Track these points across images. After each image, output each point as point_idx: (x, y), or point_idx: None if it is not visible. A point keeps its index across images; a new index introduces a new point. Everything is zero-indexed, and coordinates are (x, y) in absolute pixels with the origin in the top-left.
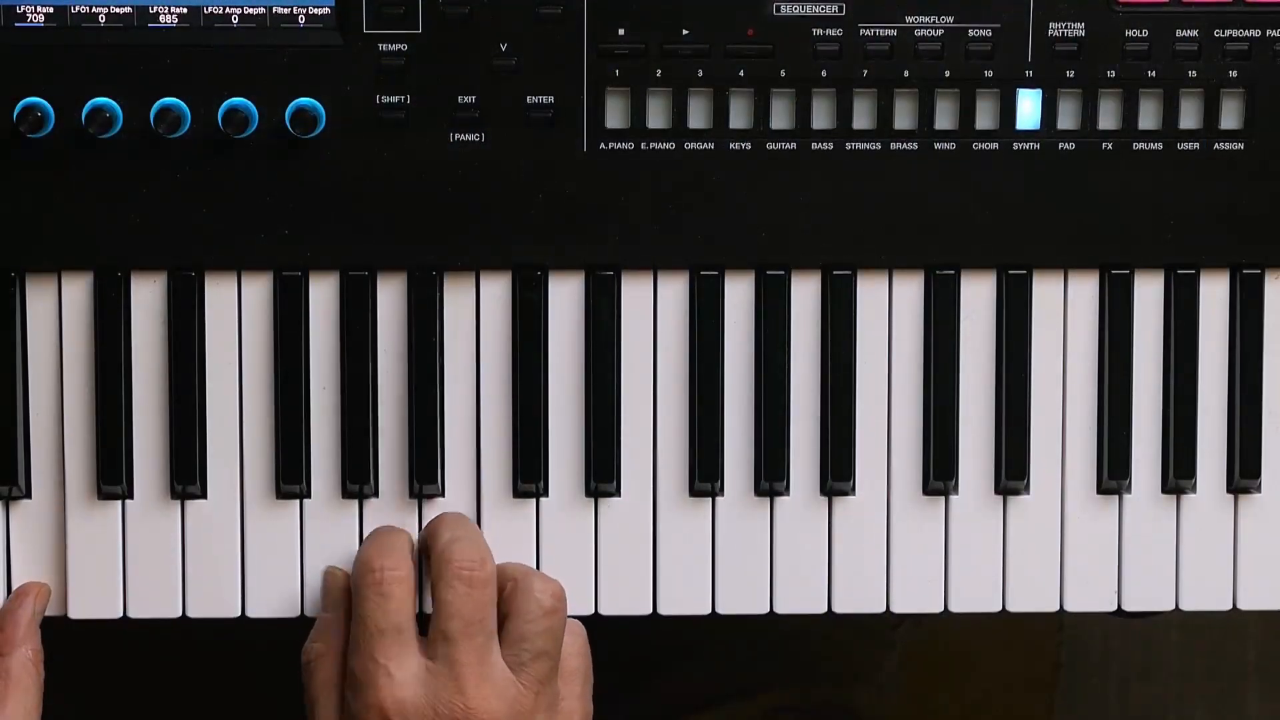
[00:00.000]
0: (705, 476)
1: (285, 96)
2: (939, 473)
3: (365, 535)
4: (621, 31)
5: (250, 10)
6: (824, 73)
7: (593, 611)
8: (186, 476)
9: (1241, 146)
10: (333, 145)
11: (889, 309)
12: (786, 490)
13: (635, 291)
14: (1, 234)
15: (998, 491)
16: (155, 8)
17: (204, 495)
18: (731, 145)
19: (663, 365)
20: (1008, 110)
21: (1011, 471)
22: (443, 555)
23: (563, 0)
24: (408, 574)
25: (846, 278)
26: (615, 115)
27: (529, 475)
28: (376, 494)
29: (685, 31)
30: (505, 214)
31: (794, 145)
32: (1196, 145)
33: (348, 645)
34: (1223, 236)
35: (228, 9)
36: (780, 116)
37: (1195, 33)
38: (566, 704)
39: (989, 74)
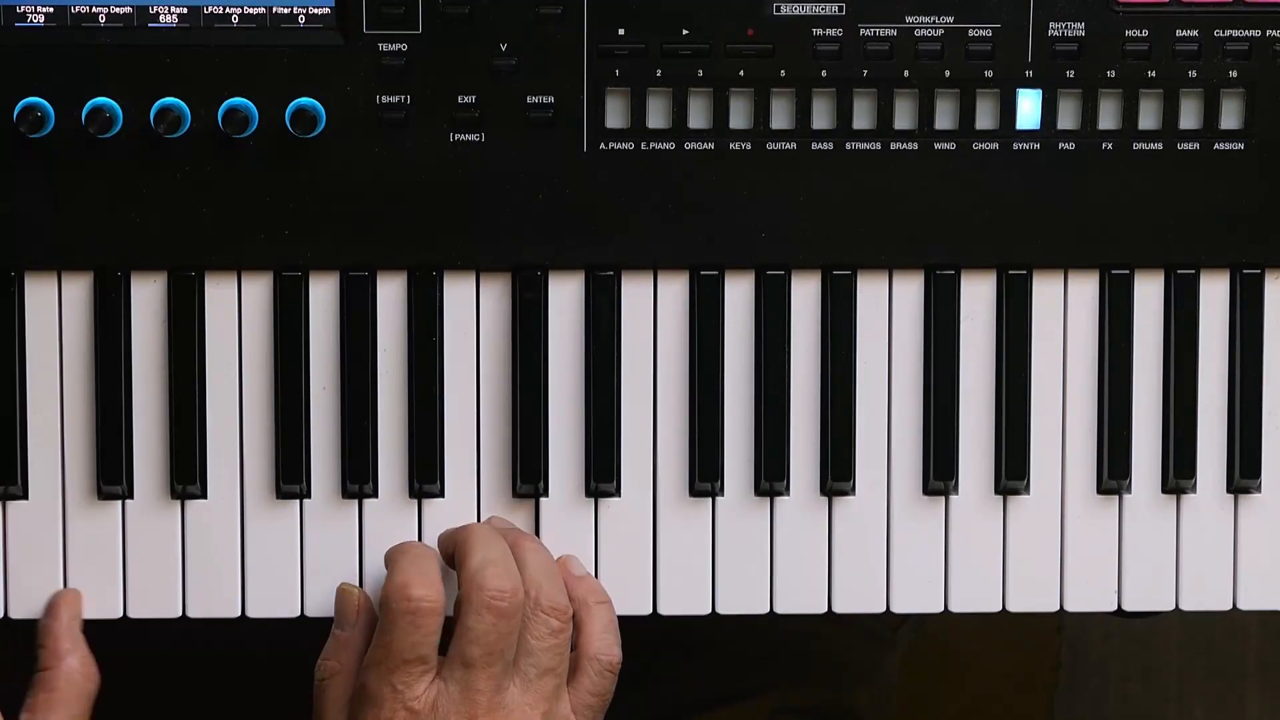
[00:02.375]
0: (705, 476)
1: (285, 96)
2: (939, 473)
3: (393, 551)
4: (621, 31)
5: (250, 10)
6: (824, 73)
7: None
8: (186, 476)
9: (1241, 146)
10: (333, 145)
11: (889, 309)
12: (786, 490)
13: (635, 291)
14: (1, 234)
15: (998, 491)
16: (155, 8)
17: (204, 495)
18: (731, 145)
19: (663, 365)
20: (1008, 110)
21: (1011, 471)
22: (475, 580)
23: (563, 0)
24: (441, 605)
25: (846, 278)
26: (615, 115)
27: (529, 475)
28: (376, 494)
29: (685, 31)
30: (505, 214)
31: (794, 145)
32: (1196, 145)
33: (362, 660)
34: (1223, 236)
35: (228, 9)
36: (780, 116)
37: (1195, 33)
38: None
39: (989, 74)
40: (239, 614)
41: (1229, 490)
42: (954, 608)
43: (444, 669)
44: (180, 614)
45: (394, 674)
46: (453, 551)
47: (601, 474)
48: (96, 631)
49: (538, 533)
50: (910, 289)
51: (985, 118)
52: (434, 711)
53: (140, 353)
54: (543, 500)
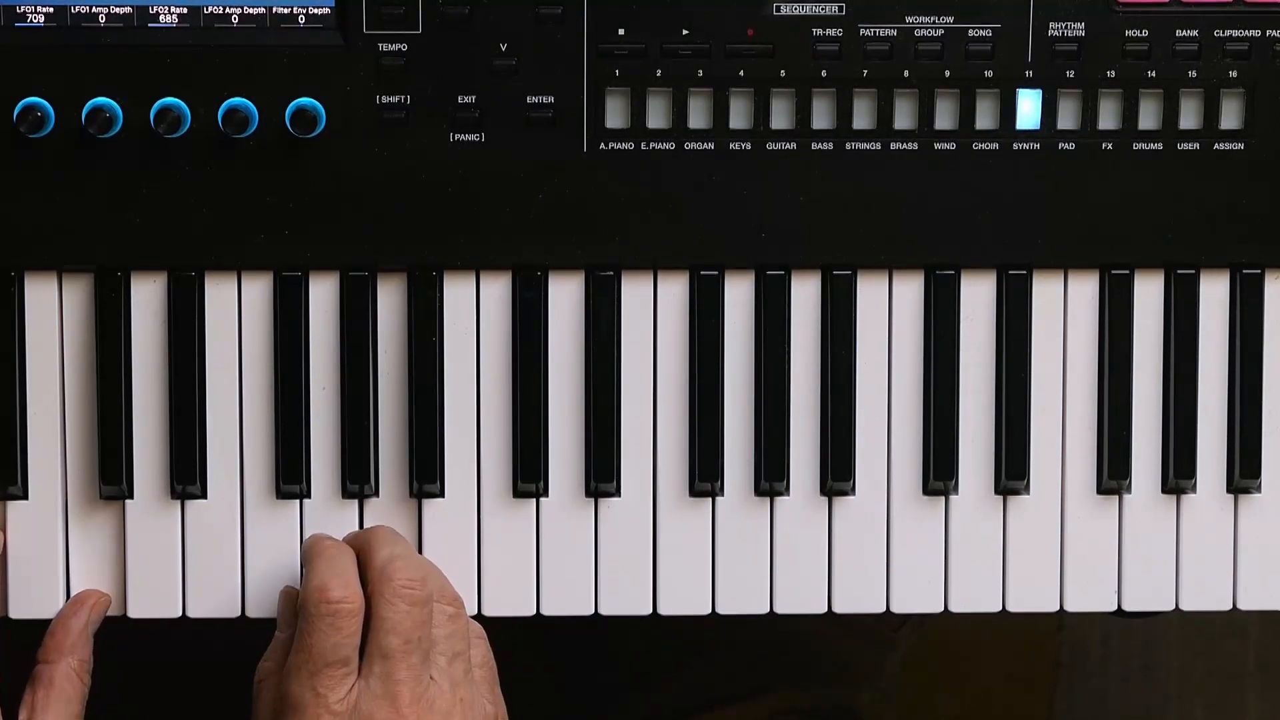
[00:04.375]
0: (705, 476)
1: (285, 96)
2: (939, 473)
3: (307, 539)
4: (621, 31)
5: (250, 10)
6: (824, 73)
7: (593, 611)
8: (186, 476)
9: (1241, 146)
10: (333, 145)
11: (889, 309)
12: (786, 490)
13: (635, 291)
14: (1, 234)
15: (998, 491)
16: (155, 8)
17: (204, 495)
18: (731, 145)
19: (663, 365)
20: (1008, 110)
21: (1011, 471)
22: (384, 572)
23: (563, 0)
24: (360, 605)
25: (846, 278)
26: (615, 115)
27: (529, 475)
28: (377, 494)
29: (685, 31)
30: (505, 214)
31: (794, 145)
32: (1196, 145)
33: (285, 668)
34: (1223, 236)
35: (228, 9)
36: (780, 116)
37: (1195, 33)
38: (483, 705)
39: (989, 74)
40: (239, 614)
41: (1229, 490)
42: (954, 608)
43: (363, 667)
44: (180, 614)
45: (316, 677)
46: (358, 554)
47: (601, 474)
48: (97, 631)
49: (538, 532)
50: (910, 289)
51: (985, 118)
52: (356, 712)
53: (140, 353)
54: (543, 500)
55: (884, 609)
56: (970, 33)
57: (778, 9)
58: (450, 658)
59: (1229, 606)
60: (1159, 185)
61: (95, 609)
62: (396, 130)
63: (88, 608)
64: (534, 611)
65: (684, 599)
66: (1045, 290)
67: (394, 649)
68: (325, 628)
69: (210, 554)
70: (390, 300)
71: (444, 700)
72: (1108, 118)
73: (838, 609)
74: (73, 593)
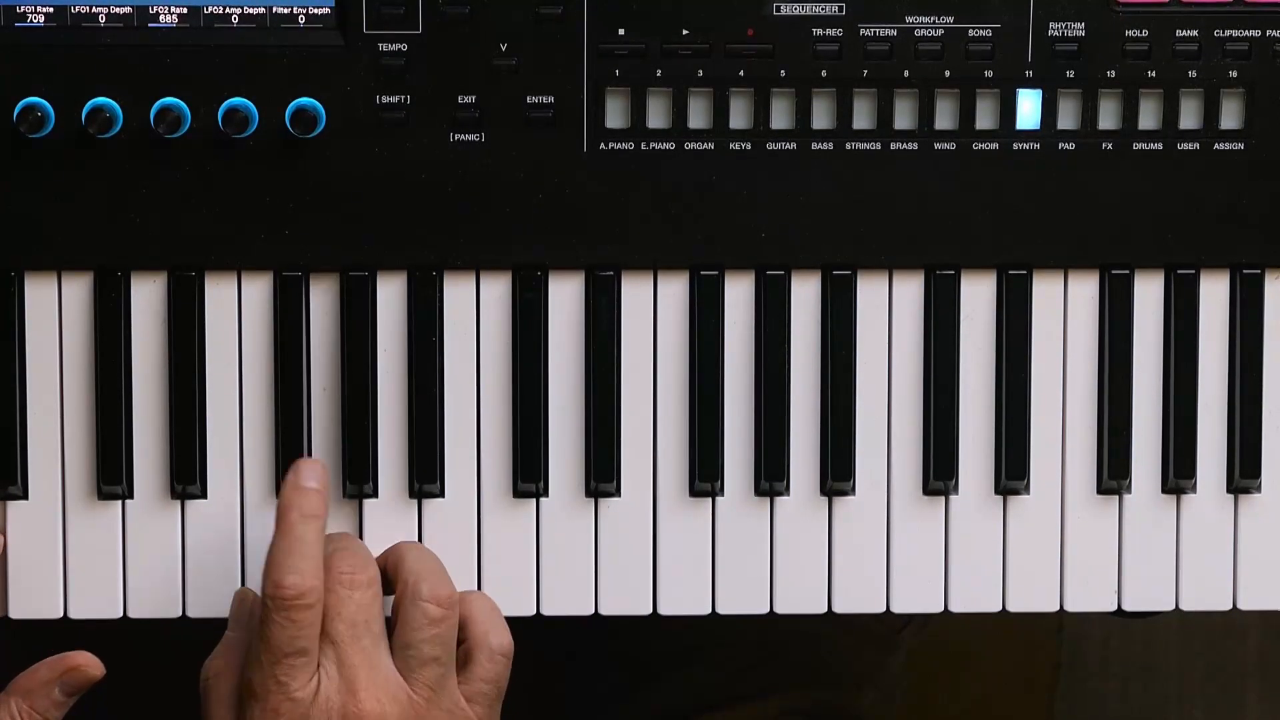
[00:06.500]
0: (705, 476)
1: (285, 96)
2: (939, 473)
3: (275, 532)
4: (621, 31)
5: (250, 10)
6: (824, 73)
7: (593, 611)
8: (186, 476)
9: (1241, 146)
10: (333, 145)
11: (889, 309)
12: (786, 490)
13: (635, 291)
14: (1, 234)
15: (998, 491)
16: (155, 8)
17: (204, 495)
18: (731, 145)
19: (663, 365)
20: (1008, 110)
21: (1011, 471)
22: (328, 564)
23: (563, 0)
24: (318, 598)
25: (846, 278)
26: (615, 115)
27: (529, 475)
28: (376, 494)
29: (685, 31)
30: (505, 214)
31: (794, 145)
32: (1196, 145)
33: (246, 656)
34: (1223, 236)
35: (228, 9)
36: (780, 116)
37: (1195, 33)
38: (466, 716)
39: (989, 74)
40: None
41: (1229, 490)
42: (954, 608)
43: (321, 655)
44: (180, 614)
45: (276, 667)
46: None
47: (601, 474)
48: (98, 632)
49: (538, 532)
50: (910, 289)
51: (985, 118)
52: (316, 698)
53: (140, 353)
54: (543, 500)
55: (884, 609)
56: (970, 33)
57: (778, 9)
58: (423, 661)
59: (1229, 606)
60: (1159, 185)
61: (72, 673)
62: (396, 130)
63: (63, 668)
64: (534, 611)
65: (684, 599)
66: (1045, 290)
67: (341, 635)
68: (281, 620)
69: (210, 554)
70: (390, 300)
71: (404, 693)
72: (1108, 118)
73: (838, 609)
74: (71, 594)
